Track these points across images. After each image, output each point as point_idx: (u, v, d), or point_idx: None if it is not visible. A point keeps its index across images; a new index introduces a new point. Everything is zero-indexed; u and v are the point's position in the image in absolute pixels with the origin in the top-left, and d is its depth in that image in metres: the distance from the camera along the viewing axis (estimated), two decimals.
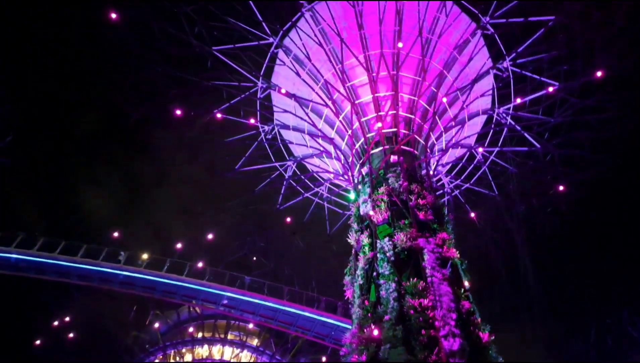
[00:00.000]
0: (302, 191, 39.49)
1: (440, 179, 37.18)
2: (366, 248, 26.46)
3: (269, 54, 34.50)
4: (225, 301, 42.66)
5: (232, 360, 52.02)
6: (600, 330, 48.45)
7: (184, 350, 52.23)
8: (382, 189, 28.03)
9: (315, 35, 32.48)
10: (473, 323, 22.09)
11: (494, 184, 37.69)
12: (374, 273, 25.00)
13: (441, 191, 37.44)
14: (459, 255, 25.56)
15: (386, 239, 25.63)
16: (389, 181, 28.51)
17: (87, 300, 47.29)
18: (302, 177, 38.91)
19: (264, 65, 34.79)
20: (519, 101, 35.30)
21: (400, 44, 31.50)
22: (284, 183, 38.78)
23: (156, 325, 52.43)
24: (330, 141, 33.29)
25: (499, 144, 36.61)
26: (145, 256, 42.10)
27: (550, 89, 34.67)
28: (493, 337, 21.64)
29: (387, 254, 24.98)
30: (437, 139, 33.06)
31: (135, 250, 42.70)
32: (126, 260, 41.14)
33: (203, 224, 42.76)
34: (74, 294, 48.41)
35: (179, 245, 42.02)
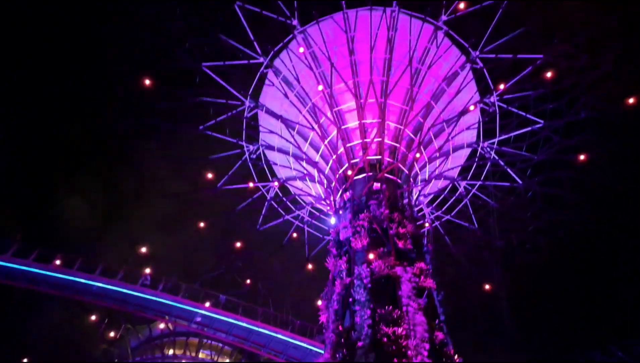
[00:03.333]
0: (283, 213, 39.32)
1: (421, 209, 37.30)
2: (343, 273, 26.39)
3: (259, 73, 34.65)
4: (198, 319, 41.97)
5: None
6: None
7: None
8: (363, 216, 28.09)
9: (306, 58, 32.76)
10: (446, 354, 22.08)
11: (474, 218, 37.89)
12: (350, 299, 24.87)
13: (422, 222, 37.51)
14: (435, 286, 25.59)
15: (364, 266, 25.59)
16: (371, 208, 28.57)
17: (58, 310, 46.27)
18: (284, 199, 38.80)
19: (253, 84, 34.93)
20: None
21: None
22: (266, 204, 38.60)
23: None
24: (315, 164, 33.33)
25: (482, 178, 36.93)
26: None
27: None
28: None
29: (364, 281, 24.93)
30: (420, 169, 33.28)
31: (112, 261, 42.04)
32: (101, 272, 40.37)
33: (181, 240, 42.34)
34: (44, 304, 47.44)
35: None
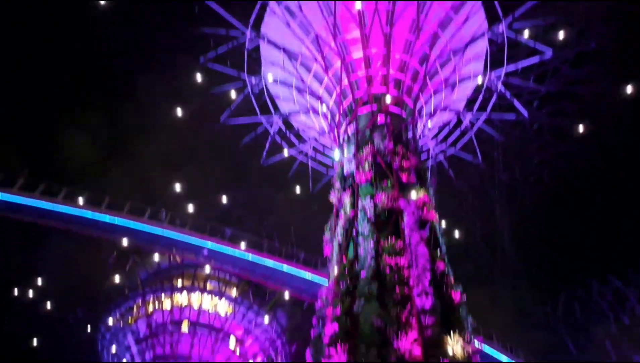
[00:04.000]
0: (287, 148, 39.17)
1: (426, 143, 37.06)
2: (347, 207, 26.69)
3: (259, 2, 33.37)
4: (205, 252, 42.86)
5: (210, 309, 52.68)
6: (570, 299, 49.89)
7: (162, 297, 52.70)
8: (366, 150, 28.07)
9: None
10: (446, 283, 22.65)
11: (479, 151, 37.71)
12: (354, 232, 25.26)
13: (425, 156, 37.41)
14: (438, 219, 25.90)
15: (368, 199, 25.83)
16: (375, 141, 28.46)
17: (66, 243, 47.19)
18: (288, 134, 38.52)
19: (254, 14, 33.73)
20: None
21: None
22: (269, 138, 38.38)
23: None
24: (318, 98, 32.85)
25: (488, 111, 36.39)
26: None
27: None
28: (464, 297, 22.17)
29: (368, 214, 25.23)
30: (425, 102, 32.78)
31: (116, 196, 42.41)
32: (107, 206, 40.83)
33: (185, 175, 42.52)
34: (52, 237, 48.29)
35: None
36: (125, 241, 42.11)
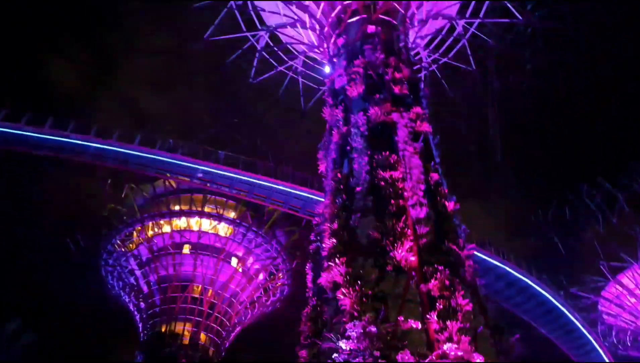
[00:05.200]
0: (276, 65, 38.03)
1: (418, 53, 36.05)
2: (340, 122, 26.34)
3: None
4: (200, 175, 42.86)
5: (210, 230, 53.52)
6: (561, 204, 51.07)
7: (162, 222, 53.38)
8: (357, 62, 27.28)
9: None
10: (440, 193, 22.86)
11: (472, 59, 36.79)
12: (347, 148, 25.13)
13: (418, 66, 36.51)
14: (431, 130, 25.72)
15: (360, 113, 25.45)
16: (365, 53, 27.63)
17: (63, 174, 47.06)
18: (276, 49, 37.25)
19: None
20: None
21: None
22: (256, 55, 37.13)
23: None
24: (305, 8, 31.44)
25: (481, 16, 35.09)
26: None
27: None
28: (458, 207, 22.49)
29: (361, 128, 24.97)
30: (417, 8, 31.50)
31: (105, 123, 41.77)
32: (96, 133, 40.29)
33: (174, 98, 41.64)
34: (47, 169, 48.12)
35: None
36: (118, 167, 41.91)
